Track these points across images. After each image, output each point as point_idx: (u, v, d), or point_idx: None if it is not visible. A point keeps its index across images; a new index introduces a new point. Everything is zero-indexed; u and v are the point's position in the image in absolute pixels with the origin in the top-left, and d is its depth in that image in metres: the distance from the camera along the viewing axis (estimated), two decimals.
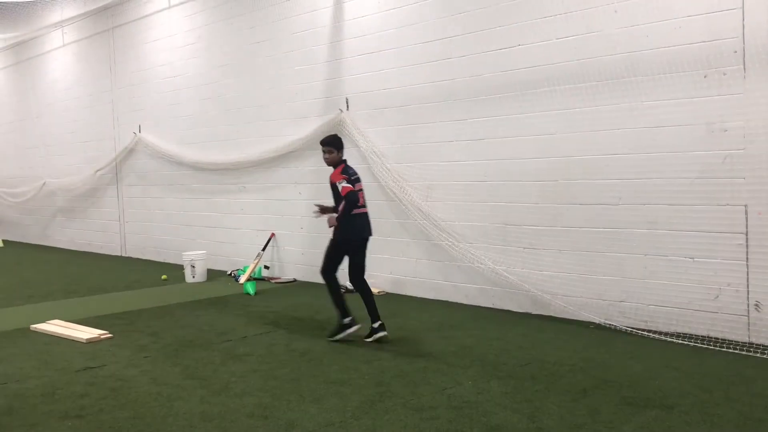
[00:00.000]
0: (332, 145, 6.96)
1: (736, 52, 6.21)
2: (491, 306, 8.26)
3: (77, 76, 15.62)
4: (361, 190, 6.94)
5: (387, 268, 9.45)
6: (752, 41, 6.11)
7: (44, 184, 16.79)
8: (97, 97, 14.97)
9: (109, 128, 14.65)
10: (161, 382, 5.65)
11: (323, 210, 7.19)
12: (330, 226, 6.85)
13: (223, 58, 11.74)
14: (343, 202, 6.68)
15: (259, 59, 11.04)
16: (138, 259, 14.18)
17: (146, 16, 13.39)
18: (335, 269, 6.97)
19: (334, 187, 6.84)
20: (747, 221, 6.25)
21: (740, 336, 6.34)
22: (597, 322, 7.15)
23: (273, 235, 11.04)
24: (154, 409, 5.04)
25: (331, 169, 6.96)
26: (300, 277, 10.69)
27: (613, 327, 7.01)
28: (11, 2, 13.14)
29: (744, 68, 6.18)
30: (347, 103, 9.70)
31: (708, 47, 6.37)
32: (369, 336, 6.78)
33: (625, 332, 6.86)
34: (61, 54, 16.10)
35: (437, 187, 8.69)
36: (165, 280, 11.20)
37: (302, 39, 10.30)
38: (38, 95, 17.10)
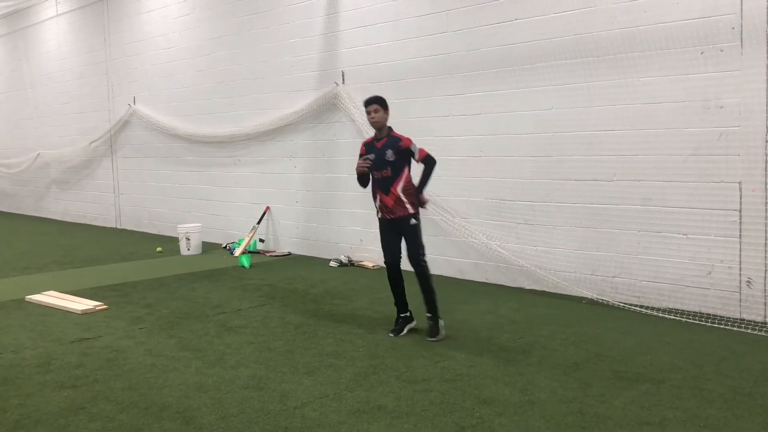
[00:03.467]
0: (380, 103, 6.04)
1: (733, 28, 6.18)
2: (485, 281, 8.30)
3: (71, 47, 15.48)
4: None
5: None
6: (750, 18, 6.08)
7: (38, 155, 16.71)
8: (91, 68, 14.85)
9: (104, 100, 14.56)
10: (156, 354, 5.69)
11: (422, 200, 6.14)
12: (424, 204, 6.10)
13: (218, 29, 11.64)
14: (425, 167, 6.01)
15: (255, 31, 10.95)
16: (133, 231, 14.17)
17: None
18: None
19: (405, 152, 5.97)
20: (741, 198, 6.27)
21: (732, 312, 6.39)
22: (590, 297, 7.20)
23: (268, 208, 11.04)
24: (149, 379, 5.07)
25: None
26: (295, 251, 10.70)
27: (605, 302, 7.05)
28: None
29: (741, 45, 6.16)
30: (343, 76, 9.64)
31: (705, 23, 6.34)
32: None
33: (618, 307, 6.91)
34: (55, 24, 15.94)
35: None
36: (160, 252, 11.21)
37: (298, 11, 10.22)
38: (32, 66, 16.95)
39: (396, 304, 6.25)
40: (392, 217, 6.03)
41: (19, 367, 5.42)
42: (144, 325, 6.60)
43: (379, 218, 6.17)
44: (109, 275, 9.24)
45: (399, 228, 6.06)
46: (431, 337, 5.93)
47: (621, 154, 7.00)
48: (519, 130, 7.80)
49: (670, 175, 6.68)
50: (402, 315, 6.23)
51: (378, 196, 6.09)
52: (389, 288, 6.27)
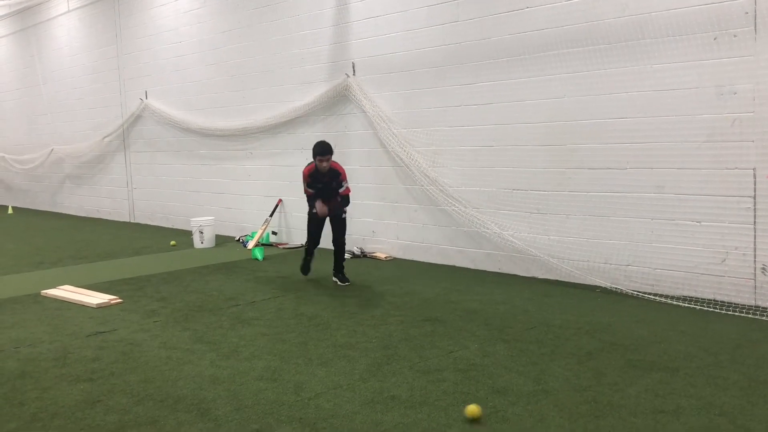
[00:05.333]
0: (332, 153, 7.77)
1: (747, 13, 6.12)
2: (498, 271, 8.29)
3: (83, 43, 15.55)
4: None
5: (394, 233, 9.48)
6: (764, 2, 6.02)
7: (52, 151, 16.82)
8: (103, 63, 14.91)
9: (116, 94, 14.62)
10: (171, 346, 5.72)
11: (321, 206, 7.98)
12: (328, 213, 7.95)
13: (228, 22, 11.65)
14: (344, 198, 7.96)
15: (265, 24, 10.95)
16: (146, 225, 14.25)
17: None
18: None
19: (339, 183, 7.86)
20: (755, 185, 6.23)
21: (746, 299, 6.35)
22: (603, 286, 7.17)
23: (280, 201, 11.07)
24: (165, 372, 5.11)
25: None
26: None
27: (619, 291, 7.03)
28: None
29: (755, 30, 6.09)
30: (354, 67, 9.63)
31: (718, 8, 6.28)
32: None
33: (632, 296, 6.89)
34: (66, 20, 16.01)
35: (444, 152, 8.67)
36: (174, 245, 11.27)
37: (308, 3, 10.20)
38: (44, 62, 17.04)
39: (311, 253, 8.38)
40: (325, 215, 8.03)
41: (36, 360, 5.47)
42: (158, 318, 6.64)
43: (314, 213, 8.00)
44: (124, 269, 9.30)
45: (325, 221, 8.12)
46: (343, 282, 8.00)
47: (634, 141, 6.96)
48: (531, 119, 7.77)
49: (683, 162, 6.64)
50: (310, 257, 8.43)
51: (319, 203, 7.92)
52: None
